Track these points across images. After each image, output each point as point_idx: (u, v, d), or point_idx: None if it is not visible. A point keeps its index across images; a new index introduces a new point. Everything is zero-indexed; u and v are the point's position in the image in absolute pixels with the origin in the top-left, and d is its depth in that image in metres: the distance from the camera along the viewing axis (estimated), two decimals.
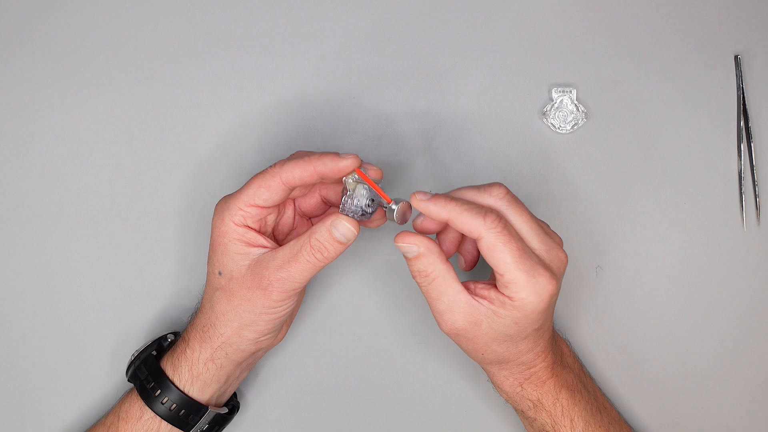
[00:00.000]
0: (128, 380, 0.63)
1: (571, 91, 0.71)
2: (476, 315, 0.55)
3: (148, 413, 0.60)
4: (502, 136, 0.71)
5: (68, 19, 0.72)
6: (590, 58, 0.72)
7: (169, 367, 0.61)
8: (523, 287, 0.54)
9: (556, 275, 0.55)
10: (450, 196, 0.55)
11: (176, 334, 0.65)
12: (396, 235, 0.56)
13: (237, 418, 0.67)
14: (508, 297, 0.54)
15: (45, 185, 0.70)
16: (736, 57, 0.72)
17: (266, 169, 0.57)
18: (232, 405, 0.66)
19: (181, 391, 0.59)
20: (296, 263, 0.56)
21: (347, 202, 0.57)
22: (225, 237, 0.57)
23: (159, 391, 0.59)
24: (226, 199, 0.58)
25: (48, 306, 0.69)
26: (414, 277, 0.57)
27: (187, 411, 0.60)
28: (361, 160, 0.57)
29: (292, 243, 0.57)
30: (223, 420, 0.64)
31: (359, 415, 0.69)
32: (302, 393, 0.69)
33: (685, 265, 0.70)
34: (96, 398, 0.69)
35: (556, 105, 0.71)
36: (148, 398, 0.60)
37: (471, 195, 0.56)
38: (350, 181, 0.56)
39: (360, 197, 0.56)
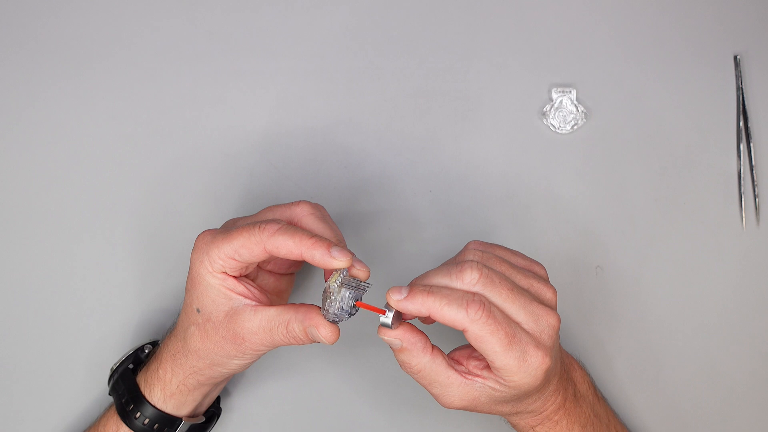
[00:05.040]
0: (109, 393, 0.63)
1: (570, 92, 0.71)
2: (473, 393, 0.54)
3: (124, 428, 0.60)
4: (502, 136, 0.71)
5: (68, 21, 0.71)
6: (590, 58, 0.72)
7: (143, 383, 0.60)
8: (515, 372, 0.52)
9: (548, 347, 0.53)
10: (426, 289, 0.52)
11: (154, 344, 0.65)
12: (379, 327, 0.54)
13: (222, 421, 0.67)
14: (501, 378, 0.53)
15: (43, 186, 0.70)
16: (735, 57, 0.72)
17: (254, 227, 0.54)
18: (212, 412, 0.65)
19: (155, 407, 0.59)
20: (270, 336, 0.55)
21: (331, 306, 0.53)
22: (205, 279, 0.55)
23: (133, 406, 0.59)
24: (208, 243, 0.55)
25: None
26: (401, 366, 0.55)
27: (161, 425, 0.60)
28: (353, 258, 0.54)
29: (271, 314, 0.55)
30: (201, 429, 0.63)
31: (351, 417, 0.69)
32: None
33: (684, 265, 0.70)
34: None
35: (555, 105, 0.71)
36: (124, 414, 0.60)
37: (444, 281, 0.53)
38: (335, 285, 0.53)
39: (344, 301, 0.54)
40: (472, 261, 0.54)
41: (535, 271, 0.58)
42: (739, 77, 0.71)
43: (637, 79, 0.72)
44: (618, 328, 0.70)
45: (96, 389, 0.68)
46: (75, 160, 0.70)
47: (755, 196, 0.70)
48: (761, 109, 0.71)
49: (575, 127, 0.71)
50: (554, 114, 0.71)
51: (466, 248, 0.56)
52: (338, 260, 0.53)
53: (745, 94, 0.71)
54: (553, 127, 0.71)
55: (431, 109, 0.71)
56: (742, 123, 0.71)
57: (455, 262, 0.54)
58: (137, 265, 0.69)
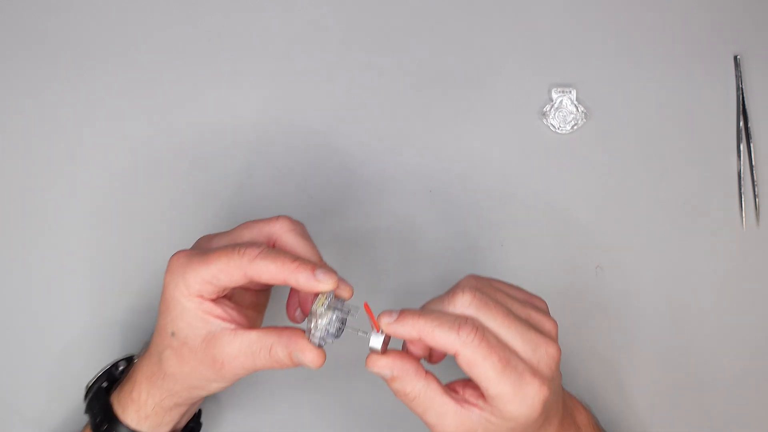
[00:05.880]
0: (85, 412, 0.60)
1: (570, 92, 0.71)
2: (468, 423, 0.51)
3: None
4: (502, 136, 0.71)
5: (67, 21, 0.71)
6: (590, 58, 0.72)
7: (116, 404, 0.58)
8: (510, 400, 0.49)
9: (547, 377, 0.50)
10: (418, 311, 0.50)
11: (129, 360, 0.62)
12: (367, 359, 0.51)
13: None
14: (497, 408, 0.50)
15: (44, 186, 0.70)
16: (735, 57, 0.72)
17: (233, 251, 0.51)
18: (191, 427, 0.62)
19: (129, 428, 0.57)
20: (251, 361, 0.52)
21: (317, 330, 0.51)
22: (180, 303, 0.52)
23: (107, 426, 0.57)
24: (183, 265, 0.52)
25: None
26: (395, 394, 0.52)
27: None
28: (338, 279, 0.51)
29: (252, 338, 0.52)
30: None
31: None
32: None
33: (684, 265, 0.70)
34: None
35: (555, 105, 0.71)
36: None
37: (437, 307, 0.51)
38: (322, 309, 0.51)
39: (331, 324, 0.51)
40: (465, 286, 0.51)
41: (535, 303, 0.55)
42: (739, 77, 0.71)
43: (637, 79, 0.72)
44: (618, 328, 0.70)
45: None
46: (75, 161, 0.70)
47: (755, 196, 0.70)
48: (761, 109, 0.71)
49: (575, 127, 0.71)
50: (554, 114, 0.71)
51: (462, 280, 0.54)
52: (324, 283, 0.50)
53: (745, 94, 0.71)
54: (553, 127, 0.71)
55: (431, 108, 0.71)
56: (742, 123, 0.71)
57: (450, 290, 0.52)
58: (137, 266, 0.69)
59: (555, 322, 0.53)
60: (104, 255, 0.69)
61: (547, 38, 0.72)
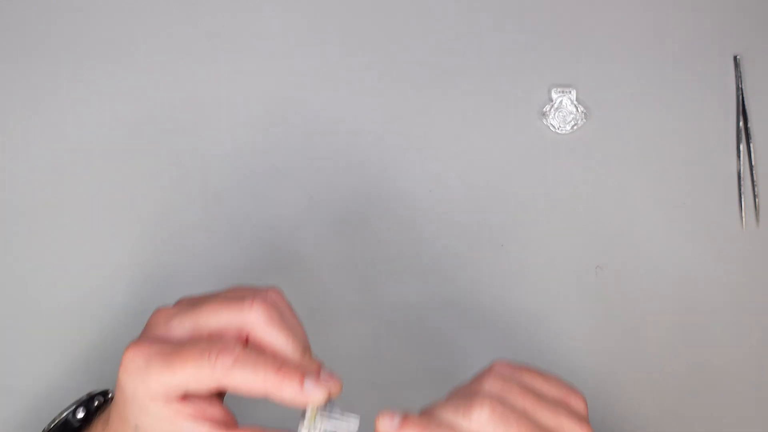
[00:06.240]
0: None
1: (570, 92, 0.71)
2: None
3: None
4: (501, 136, 0.71)
5: (67, 22, 0.71)
6: (590, 58, 0.72)
7: None
8: None
9: None
10: (423, 423, 0.45)
11: (88, 403, 0.55)
12: None
13: None
14: None
15: (41, 187, 0.70)
16: (735, 57, 0.72)
17: (203, 356, 0.45)
18: None
19: None
20: None
21: None
22: (141, 403, 0.46)
23: None
24: (141, 369, 0.45)
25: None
26: None
27: None
28: (331, 382, 0.46)
29: None
30: None
31: None
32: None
33: (684, 265, 0.70)
34: None
35: (555, 105, 0.71)
36: None
37: (449, 417, 0.45)
38: (315, 423, 0.46)
39: None
40: (485, 395, 0.45)
41: (570, 404, 0.48)
42: (739, 77, 0.71)
43: (637, 79, 0.72)
44: (618, 328, 0.70)
45: None
46: (74, 160, 0.70)
47: (755, 196, 0.70)
48: (761, 109, 0.71)
49: (575, 127, 0.71)
50: (554, 114, 0.71)
51: (487, 371, 0.48)
52: (314, 395, 0.45)
53: (745, 95, 0.71)
54: (553, 127, 0.71)
55: (431, 108, 0.71)
56: (742, 123, 0.71)
57: (468, 393, 0.46)
58: (137, 264, 0.69)
59: (590, 430, 0.47)
60: (103, 254, 0.69)
61: (547, 38, 0.72)
